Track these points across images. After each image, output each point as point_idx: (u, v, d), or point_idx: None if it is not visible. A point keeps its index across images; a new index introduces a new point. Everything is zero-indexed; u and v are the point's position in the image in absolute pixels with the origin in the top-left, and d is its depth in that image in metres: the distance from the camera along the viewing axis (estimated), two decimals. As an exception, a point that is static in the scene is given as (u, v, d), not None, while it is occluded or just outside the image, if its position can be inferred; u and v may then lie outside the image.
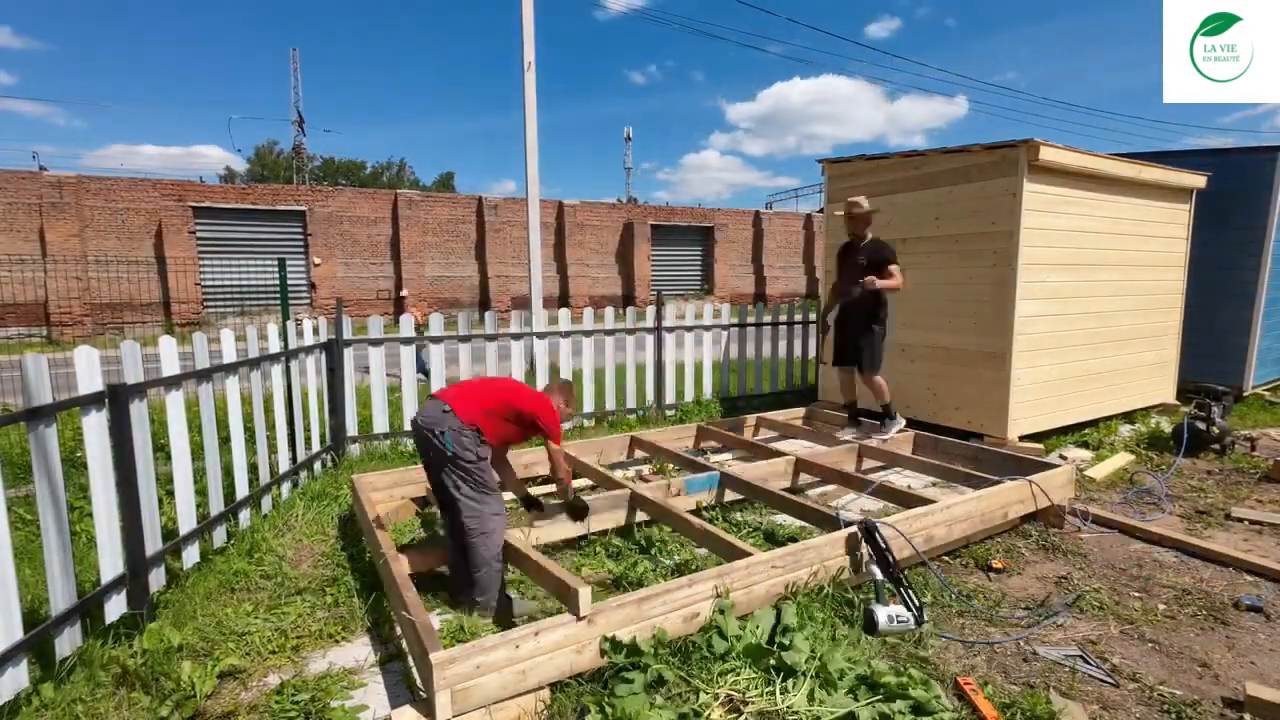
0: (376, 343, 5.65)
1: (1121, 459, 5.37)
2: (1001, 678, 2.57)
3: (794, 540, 3.57)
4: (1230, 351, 7.42)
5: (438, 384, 5.92)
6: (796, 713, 2.23)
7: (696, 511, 4.09)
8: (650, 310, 7.04)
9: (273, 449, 4.52)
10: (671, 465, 5.04)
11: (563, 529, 3.72)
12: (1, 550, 2.34)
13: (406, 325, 5.87)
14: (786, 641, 2.57)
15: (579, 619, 2.41)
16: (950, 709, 2.28)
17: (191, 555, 3.46)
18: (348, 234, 22.81)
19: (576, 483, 4.82)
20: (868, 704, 2.24)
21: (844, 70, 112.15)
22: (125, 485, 2.91)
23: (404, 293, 18.50)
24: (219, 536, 3.74)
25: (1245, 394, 7.42)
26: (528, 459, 4.86)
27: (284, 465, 4.55)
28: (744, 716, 2.24)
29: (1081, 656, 2.70)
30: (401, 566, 2.96)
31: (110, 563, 2.88)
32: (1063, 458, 5.32)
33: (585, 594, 2.42)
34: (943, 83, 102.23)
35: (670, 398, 7.21)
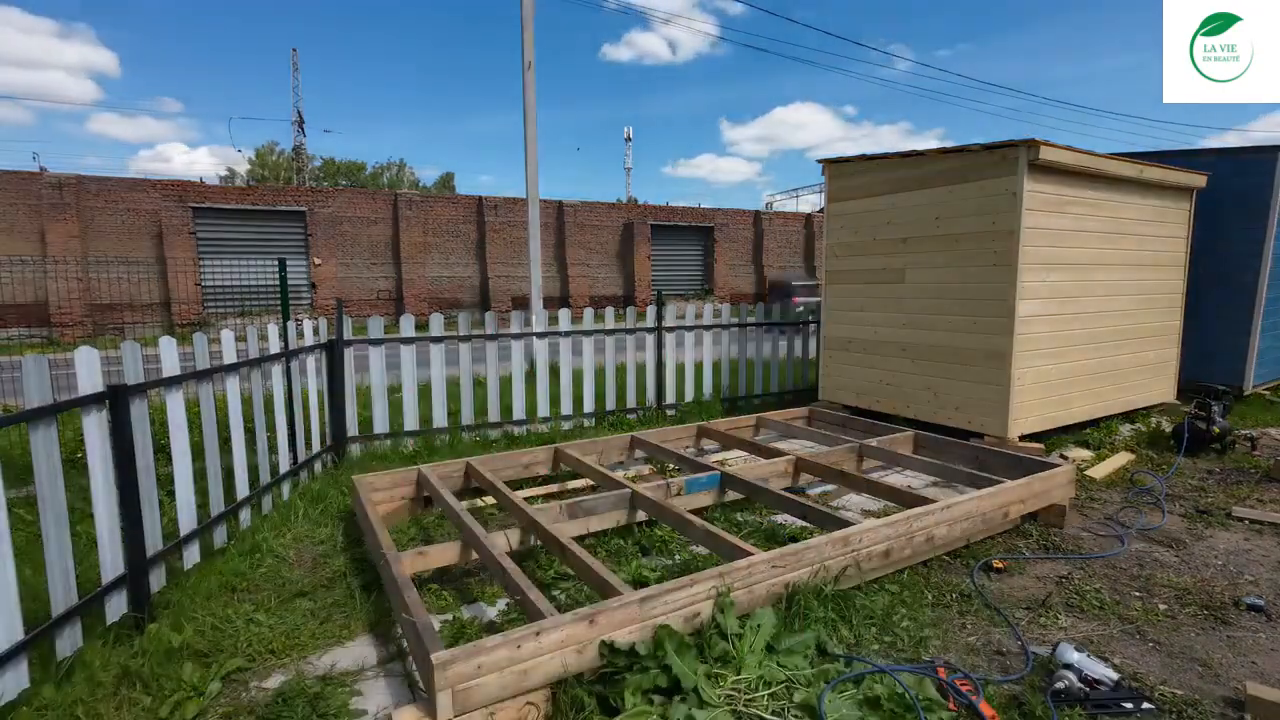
0: (377, 343, 5.65)
1: (1122, 459, 5.37)
2: (1002, 677, 2.57)
3: (795, 540, 3.57)
4: (1230, 351, 7.42)
5: (438, 384, 5.93)
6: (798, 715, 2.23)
7: (697, 511, 4.09)
8: (650, 310, 7.04)
9: (273, 449, 4.52)
10: (672, 465, 5.04)
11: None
12: (2, 551, 2.34)
13: (406, 325, 5.87)
14: (788, 646, 2.57)
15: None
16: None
17: (192, 555, 3.47)
18: (348, 234, 22.82)
19: (578, 483, 4.82)
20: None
21: (843, 70, 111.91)
22: (126, 485, 2.92)
23: None
24: (219, 536, 3.75)
25: (1246, 393, 7.42)
26: (527, 459, 4.86)
27: (284, 465, 4.55)
28: (745, 717, 2.24)
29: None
30: (402, 567, 2.96)
31: (111, 563, 2.88)
32: (1063, 457, 5.32)
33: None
34: (943, 83, 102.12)
35: (670, 398, 7.21)
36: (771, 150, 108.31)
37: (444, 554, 3.37)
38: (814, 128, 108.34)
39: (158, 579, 3.15)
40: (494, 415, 6.22)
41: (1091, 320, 5.95)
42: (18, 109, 79.68)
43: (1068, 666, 2.51)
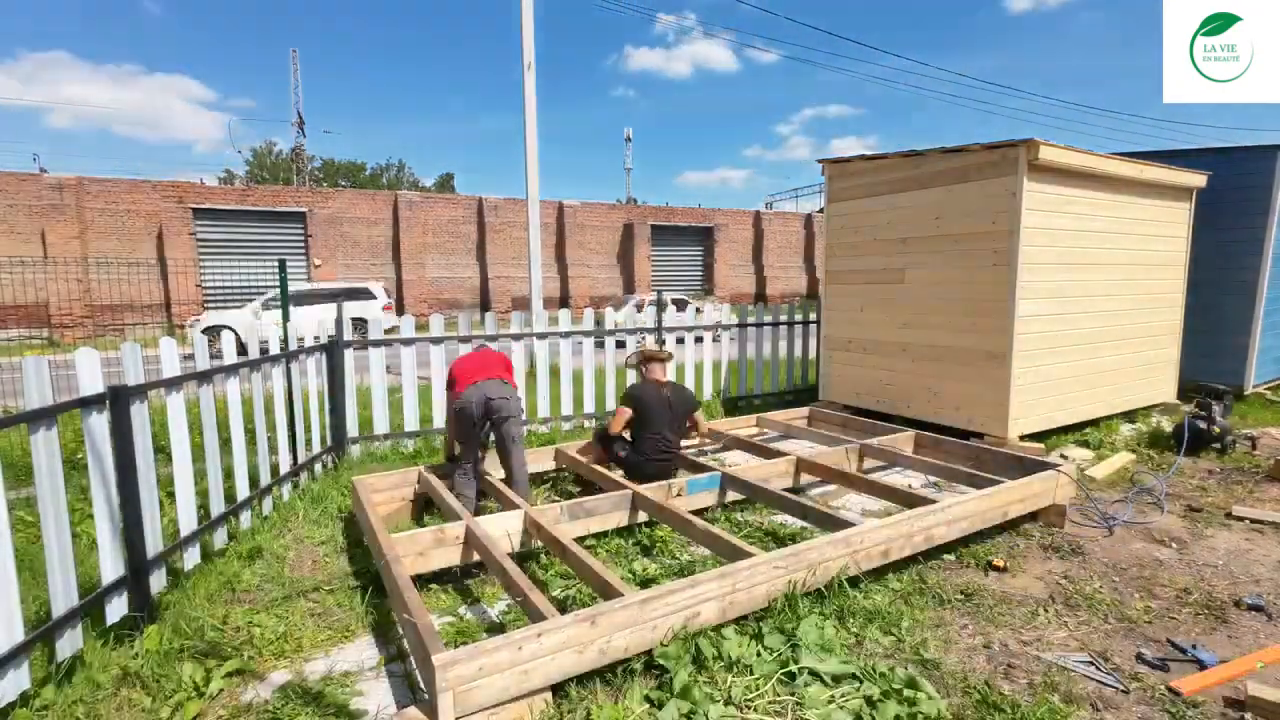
0: (377, 344, 5.65)
1: (1122, 458, 5.37)
2: (1002, 678, 2.57)
3: (795, 540, 3.57)
4: (1231, 351, 7.42)
5: (438, 385, 5.92)
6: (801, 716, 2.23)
7: (698, 512, 4.09)
8: (651, 310, 7.04)
9: (273, 450, 4.52)
10: (672, 466, 5.03)
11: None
12: (3, 552, 2.34)
13: (407, 326, 5.87)
14: (789, 647, 2.57)
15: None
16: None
17: (192, 556, 3.46)
18: (348, 235, 22.83)
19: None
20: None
21: (842, 70, 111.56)
22: (126, 487, 2.91)
23: None
24: (220, 538, 3.74)
25: (1246, 393, 7.42)
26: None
27: (285, 467, 4.55)
28: (746, 717, 2.24)
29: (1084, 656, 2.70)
30: (403, 568, 2.96)
31: (111, 564, 2.88)
32: (1063, 457, 5.31)
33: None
34: (945, 83, 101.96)
35: (671, 398, 7.20)
36: (776, 161, 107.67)
37: (444, 554, 3.37)
38: (820, 140, 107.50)
39: (158, 580, 3.15)
40: (494, 416, 6.21)
41: (1092, 320, 5.95)
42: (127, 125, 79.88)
43: None
